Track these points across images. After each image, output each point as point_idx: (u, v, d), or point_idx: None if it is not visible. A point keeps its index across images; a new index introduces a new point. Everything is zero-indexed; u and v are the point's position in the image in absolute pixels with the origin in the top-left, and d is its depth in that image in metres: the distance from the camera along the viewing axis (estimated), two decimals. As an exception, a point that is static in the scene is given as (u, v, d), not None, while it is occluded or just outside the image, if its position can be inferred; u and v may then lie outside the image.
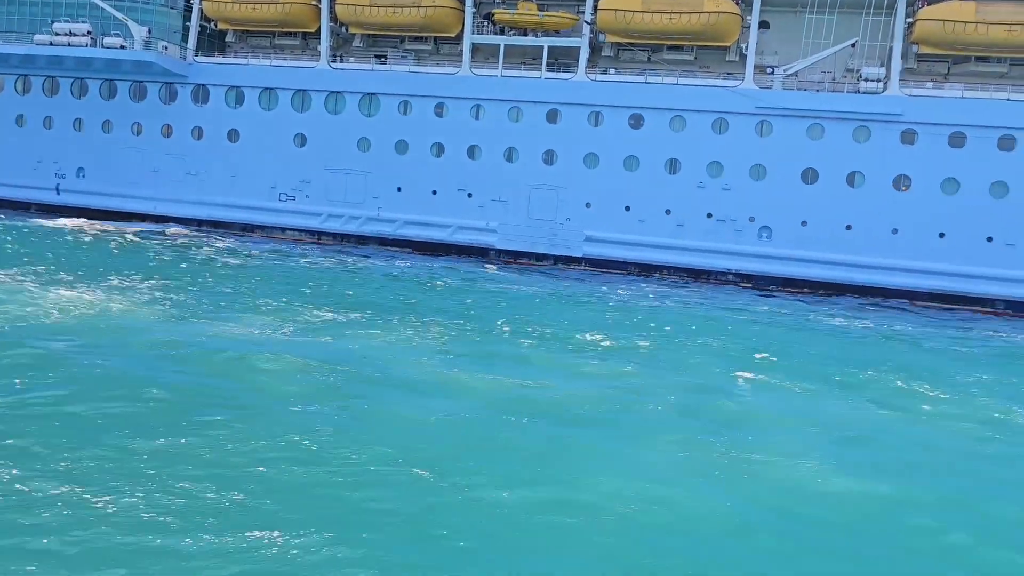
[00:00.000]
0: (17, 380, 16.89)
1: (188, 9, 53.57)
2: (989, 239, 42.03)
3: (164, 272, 34.07)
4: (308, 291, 32.58)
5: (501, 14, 48.04)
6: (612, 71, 47.48)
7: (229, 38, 54.64)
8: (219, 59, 52.58)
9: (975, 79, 43.99)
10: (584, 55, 46.88)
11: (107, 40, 51.21)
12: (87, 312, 23.74)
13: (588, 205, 46.76)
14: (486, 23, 49.29)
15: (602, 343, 26.22)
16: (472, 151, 48.27)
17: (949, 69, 44.91)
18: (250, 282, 34.16)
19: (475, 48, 48.87)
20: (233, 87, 51.65)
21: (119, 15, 51.35)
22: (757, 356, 25.93)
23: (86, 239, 44.63)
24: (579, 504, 13.41)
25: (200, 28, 53.18)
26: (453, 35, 49.87)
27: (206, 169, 52.32)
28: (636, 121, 45.97)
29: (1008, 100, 41.71)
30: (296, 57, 52.58)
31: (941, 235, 42.61)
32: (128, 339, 21.24)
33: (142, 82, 52.79)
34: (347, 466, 14.28)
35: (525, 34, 48.91)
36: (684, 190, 45.45)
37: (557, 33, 48.49)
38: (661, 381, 21.54)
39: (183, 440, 14.81)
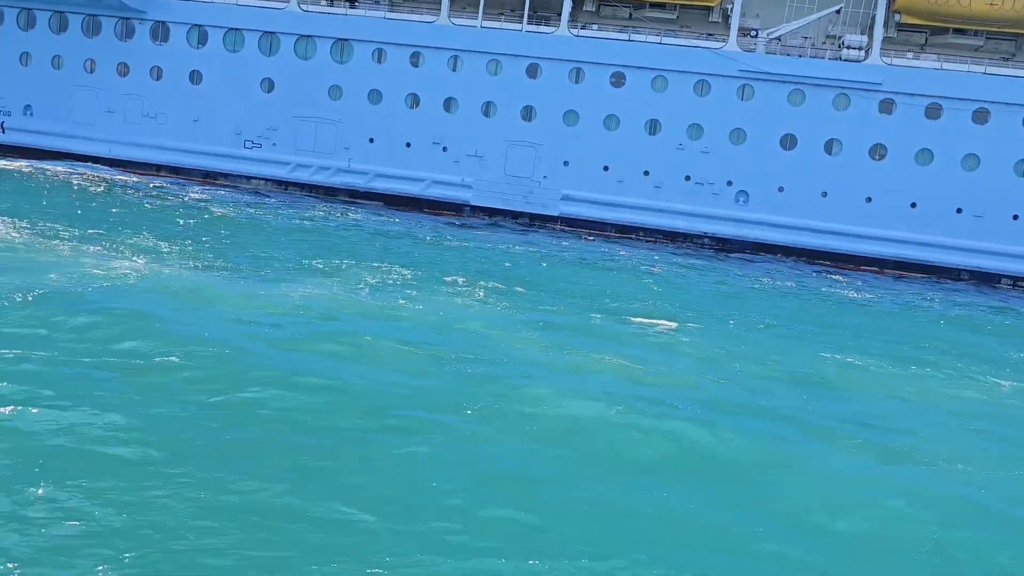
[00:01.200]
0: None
1: (146, -60, 50.46)
2: (959, 210, 42.92)
3: (172, 227, 31.60)
4: (345, 252, 30.72)
5: (482, -38, 46.51)
6: (595, 27, 46.55)
7: (196, -27, 51.73)
8: (181, -5, 49.80)
9: (950, 51, 44.50)
10: (567, 8, 45.81)
11: (60, -31, 48.01)
12: (142, 275, 21.58)
13: (566, 163, 46.15)
14: (466, -29, 47.71)
15: (661, 320, 24.53)
16: (448, 104, 47.02)
17: (927, 40, 45.29)
18: (274, 239, 32.12)
19: (453, -4, 47.31)
20: (196, 26, 49.10)
21: (73, -57, 48.14)
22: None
23: (50, 184, 42.21)
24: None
25: (160, -39, 50.21)
26: (432, -18, 48.18)
27: (165, 112, 49.90)
28: (618, 79, 45.30)
29: (985, 73, 42.29)
30: (263, -3, 50.10)
31: (913, 205, 43.33)
32: (223, 313, 18.99)
33: (96, 16, 49.81)
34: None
35: (503, -16, 47.54)
36: (663, 152, 45.17)
37: (538, -15, 47.20)
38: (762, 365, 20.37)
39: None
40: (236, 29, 48.67)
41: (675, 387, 17.35)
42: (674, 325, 23.50)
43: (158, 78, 49.84)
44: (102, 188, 42.31)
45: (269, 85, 48.69)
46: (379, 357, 17.25)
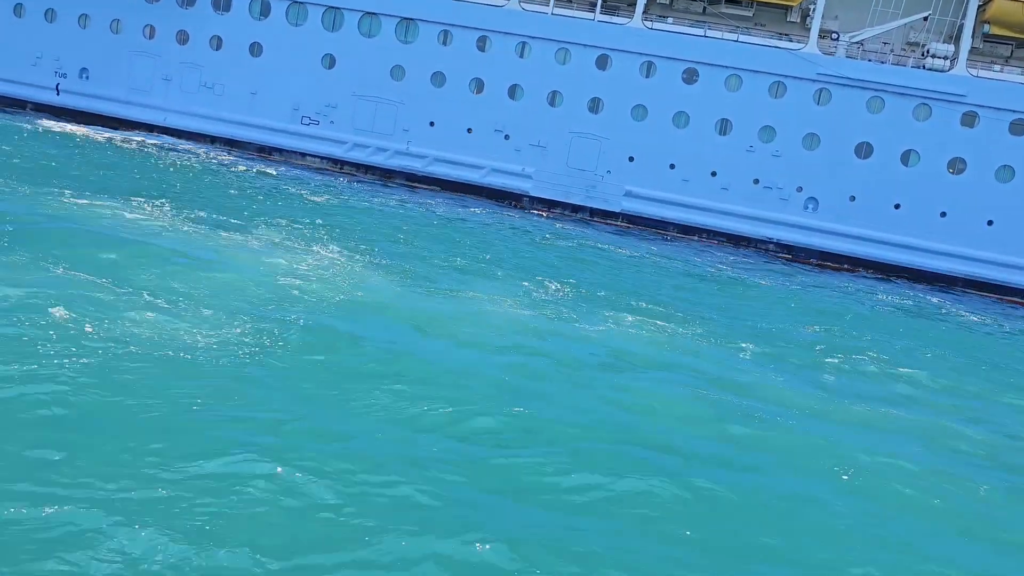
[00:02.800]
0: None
1: (213, -94, 49.52)
2: (1037, 230, 41.49)
3: (305, 215, 30.52)
4: (488, 252, 29.48)
5: (558, -53, 45.27)
6: (668, 20, 45.27)
7: (256, -57, 50.75)
8: (246, -35, 48.84)
9: (1037, 65, 42.97)
10: (642, 0, 44.54)
11: (126, -69, 47.15)
12: (343, 285, 20.32)
13: (631, 159, 44.99)
14: (539, -45, 46.45)
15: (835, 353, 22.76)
16: (513, 91, 45.92)
17: (1012, 52, 43.77)
18: (424, 236, 31.12)
19: (524, -19, 46.08)
20: (258, -4, 48.20)
21: (141, -95, 47.26)
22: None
23: (126, 151, 41.59)
24: None
25: (225, -72, 49.28)
26: (504, -36, 46.95)
27: (223, 83, 49.06)
28: (690, 76, 44.05)
29: (1075, 91, 40.78)
30: (328, -29, 49.07)
31: (989, 223, 41.94)
32: (471, 337, 17.67)
33: (158, -19, 48.95)
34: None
35: (576, -29, 46.28)
36: (733, 153, 43.92)
37: (613, -27, 45.95)
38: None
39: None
40: (299, 3, 47.70)
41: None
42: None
43: (217, 48, 48.99)
44: (191, 162, 41.59)
45: (330, 61, 47.73)
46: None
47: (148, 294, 16.60)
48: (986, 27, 42.45)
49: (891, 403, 18.18)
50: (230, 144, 49.21)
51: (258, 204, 31.86)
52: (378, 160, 47.69)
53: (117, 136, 46.96)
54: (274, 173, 42.15)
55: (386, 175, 47.76)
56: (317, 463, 10.87)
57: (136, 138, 47.01)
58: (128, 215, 24.54)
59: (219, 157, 45.27)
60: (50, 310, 14.44)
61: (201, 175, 37.45)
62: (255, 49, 48.51)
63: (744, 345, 20.88)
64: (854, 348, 23.51)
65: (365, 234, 29.02)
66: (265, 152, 48.89)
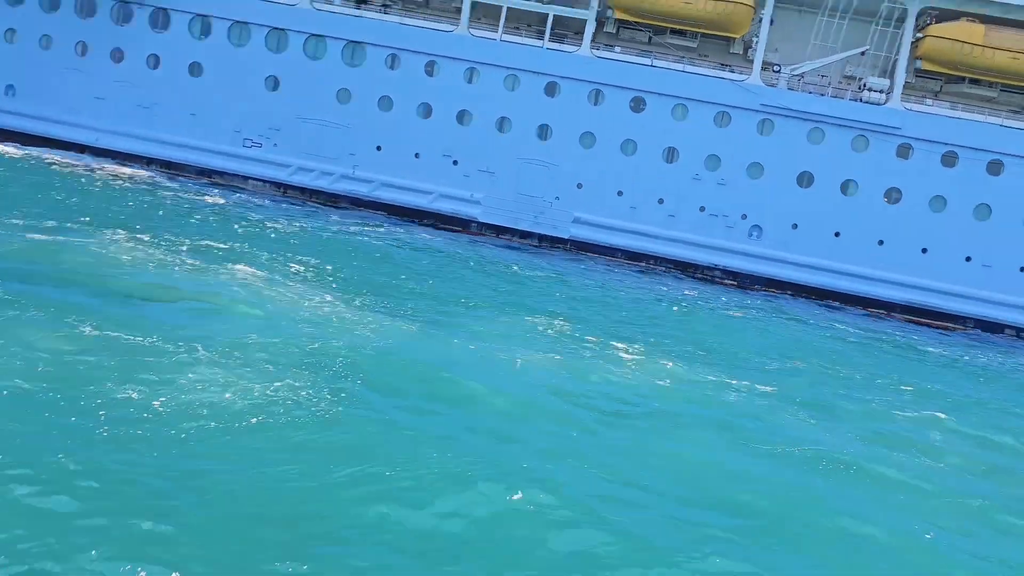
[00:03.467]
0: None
1: (151, -78, 48.11)
2: (968, 259, 43.15)
3: (263, 244, 29.55)
4: (466, 284, 29.01)
5: (506, -26, 45.35)
6: (616, 49, 45.76)
7: (199, -41, 49.45)
8: (185, -18, 47.51)
9: (963, 100, 44.82)
10: (590, 29, 44.95)
11: (59, -55, 45.40)
12: (311, 313, 19.82)
13: (580, 186, 45.20)
14: (490, -18, 46.46)
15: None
16: (462, 116, 45.70)
17: (941, 87, 45.59)
18: (381, 262, 30.36)
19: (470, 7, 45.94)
20: (200, 16, 46.91)
21: (75, -82, 45.60)
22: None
23: (56, 173, 39.78)
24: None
25: (163, -55, 47.91)
26: (454, -10, 46.87)
27: (161, 103, 47.52)
28: (637, 104, 44.58)
29: (1002, 126, 42.67)
30: (272, -9, 48.09)
31: (924, 251, 43.44)
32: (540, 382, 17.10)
33: (92, -3, 47.23)
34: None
35: (524, -2, 46.40)
36: (680, 181, 44.55)
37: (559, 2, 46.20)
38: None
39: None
40: (242, 23, 46.63)
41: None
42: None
43: (155, 67, 47.47)
44: (128, 185, 39.92)
45: (274, 83, 46.73)
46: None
47: (162, 346, 15.68)
48: (918, 62, 44.12)
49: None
50: (167, 166, 47.63)
51: (224, 236, 30.30)
52: (323, 184, 46.79)
53: (46, 156, 44.96)
54: (222, 201, 40.77)
55: (331, 200, 46.87)
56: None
57: (65, 159, 45.09)
58: (93, 248, 23.19)
59: (156, 180, 43.75)
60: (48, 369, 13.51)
61: (142, 199, 36.02)
62: (195, 69, 47.17)
63: (762, 387, 20.77)
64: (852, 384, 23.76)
65: (347, 270, 28.09)
66: (205, 175, 47.46)
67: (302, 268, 26.11)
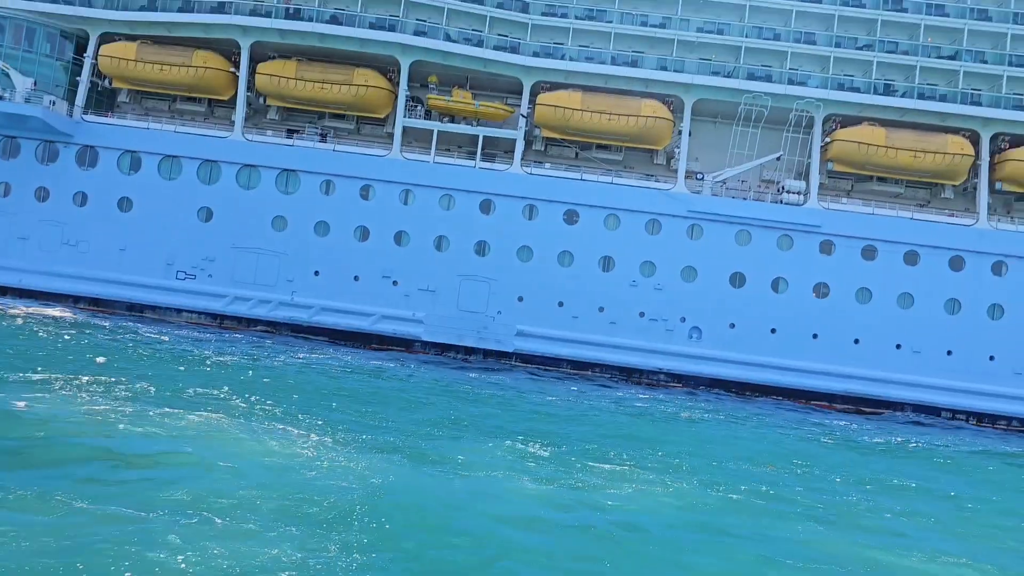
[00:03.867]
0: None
1: (76, 63, 48.34)
2: (898, 346, 44.83)
3: (218, 380, 28.43)
4: (453, 412, 27.89)
5: (435, 100, 46.87)
6: (547, 165, 47.29)
7: (122, 98, 49.62)
8: (114, 120, 47.46)
9: (874, 196, 47.56)
10: (520, 147, 46.48)
11: (-18, 89, 45.02)
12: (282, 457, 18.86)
13: (520, 299, 45.65)
14: (418, 107, 47.93)
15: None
16: (399, 237, 46.08)
17: (852, 186, 48.37)
18: (329, 389, 29.27)
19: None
20: (128, 152, 46.71)
21: (-1, 63, 45.46)
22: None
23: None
24: None
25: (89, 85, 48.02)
26: (382, 116, 48.00)
27: (89, 240, 46.55)
28: (571, 217, 45.82)
29: (912, 219, 45.31)
30: (201, 125, 48.44)
31: (856, 341, 44.97)
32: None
33: (15, 138, 46.62)
34: None
35: (451, 120, 47.88)
36: (617, 288, 45.48)
37: (487, 123, 47.83)
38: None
39: None
40: (173, 156, 46.59)
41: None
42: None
43: (82, 204, 46.71)
44: (57, 327, 38.21)
45: (207, 214, 46.43)
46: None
47: (147, 516, 14.65)
48: (830, 164, 46.86)
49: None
50: (96, 304, 46.26)
51: (177, 377, 29.16)
52: (261, 313, 46.06)
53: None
54: (166, 338, 39.38)
55: (270, 328, 46.07)
56: None
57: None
58: (41, 406, 21.66)
59: (87, 320, 42.23)
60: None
61: (78, 342, 34.54)
62: (124, 204, 46.60)
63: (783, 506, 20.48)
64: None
65: (310, 404, 27.08)
66: (136, 310, 46.23)
67: (268, 406, 25.16)
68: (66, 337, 35.22)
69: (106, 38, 47.84)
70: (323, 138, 47.68)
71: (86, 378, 25.35)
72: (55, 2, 47.17)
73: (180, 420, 21.50)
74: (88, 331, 37.98)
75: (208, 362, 33.50)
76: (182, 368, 31.25)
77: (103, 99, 49.58)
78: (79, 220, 46.60)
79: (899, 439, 36.73)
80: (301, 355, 39.11)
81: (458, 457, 21.55)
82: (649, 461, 24.24)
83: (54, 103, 45.76)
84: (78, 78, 47.91)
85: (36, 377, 25.09)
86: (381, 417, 26.35)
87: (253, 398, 26.07)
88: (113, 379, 25.80)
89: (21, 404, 21.16)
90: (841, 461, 29.43)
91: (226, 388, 27.12)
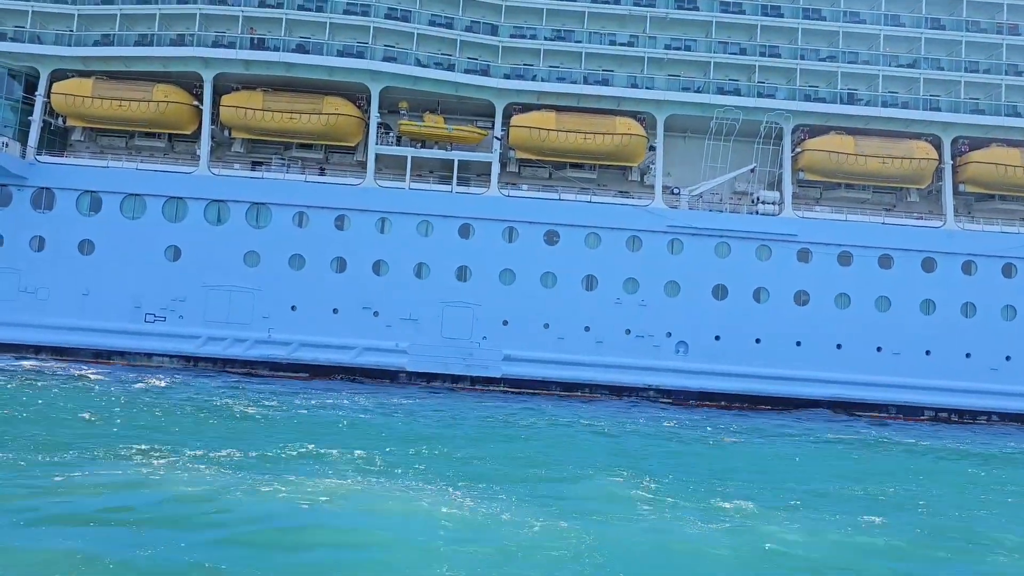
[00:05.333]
0: None
1: (26, 103, 46.22)
2: (879, 349, 45.51)
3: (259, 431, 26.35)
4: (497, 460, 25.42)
5: (407, 125, 46.17)
6: (524, 187, 46.93)
7: (76, 136, 47.57)
8: (70, 160, 45.43)
9: (842, 203, 48.49)
10: (496, 170, 46.03)
11: (-73, 133, 42.59)
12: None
13: (505, 323, 44.99)
14: (389, 133, 47.13)
15: None
16: (378, 267, 45.03)
17: (821, 194, 49.21)
18: (421, 440, 27.17)
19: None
20: (88, 192, 44.71)
21: (-55, 105, 43.14)
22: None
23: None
24: None
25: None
26: (353, 144, 47.03)
27: (48, 286, 44.27)
28: (551, 237, 45.46)
29: (884, 224, 46.26)
30: (164, 161, 46.73)
31: (839, 346, 45.50)
32: None
33: (-37, 183, 44.22)
34: None
35: (423, 145, 47.20)
36: (602, 307, 45.20)
37: (460, 147, 47.26)
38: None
39: None
40: (136, 195, 44.76)
41: None
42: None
43: (39, 249, 44.46)
44: (26, 380, 35.85)
45: (175, 253, 44.67)
46: None
47: None
48: (801, 174, 47.60)
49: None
50: (58, 353, 43.91)
51: (235, 430, 27.05)
52: (237, 352, 44.35)
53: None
54: (162, 383, 37.20)
55: (247, 367, 44.39)
56: None
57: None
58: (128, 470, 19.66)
59: (61, 370, 39.91)
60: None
61: (65, 397, 32.33)
62: (85, 247, 44.51)
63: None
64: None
65: (374, 452, 24.97)
66: (103, 357, 44.03)
67: (375, 458, 23.16)
68: (48, 392, 33.02)
69: (58, 75, 45.89)
70: (287, 167, 46.31)
71: (144, 446, 22.60)
72: (2, 40, 45.08)
73: (311, 485, 19.15)
74: (74, 385, 35.67)
75: (224, 411, 31.39)
76: (230, 422, 29.02)
77: (55, 138, 47.46)
78: (37, 265, 44.31)
79: (949, 443, 36.47)
80: (329, 400, 36.87)
81: (581, 503, 19.79)
82: (772, 494, 22.71)
83: (6, 144, 43.54)
84: (29, 117, 45.74)
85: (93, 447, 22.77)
86: (471, 460, 24.72)
87: (352, 451, 23.94)
88: (186, 444, 23.24)
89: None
90: (955, 471, 28.92)
91: (311, 443, 24.70)
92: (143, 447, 22.46)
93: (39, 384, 34.67)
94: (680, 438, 33.51)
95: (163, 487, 18.20)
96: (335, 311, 44.68)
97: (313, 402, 35.39)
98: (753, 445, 32.94)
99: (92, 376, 38.40)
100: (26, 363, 40.94)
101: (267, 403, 33.78)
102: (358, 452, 24.04)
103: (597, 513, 19.09)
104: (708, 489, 22.61)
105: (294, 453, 23.58)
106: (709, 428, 36.68)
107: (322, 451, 23.96)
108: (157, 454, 21.79)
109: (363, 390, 40.90)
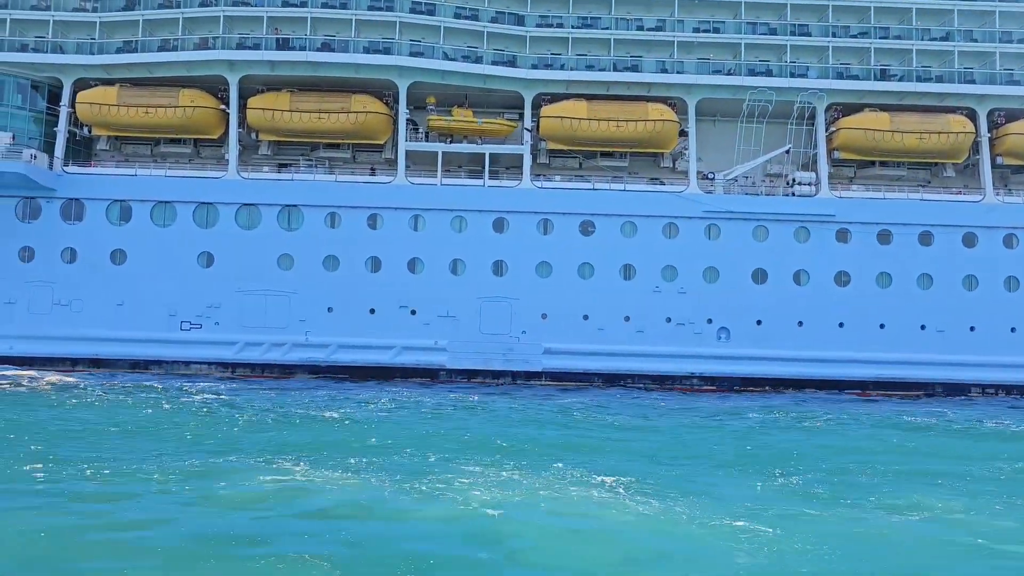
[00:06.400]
0: None
1: (49, 114, 45.70)
2: (923, 327, 44.93)
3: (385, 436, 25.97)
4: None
5: (436, 121, 45.59)
6: (557, 178, 46.37)
7: (101, 145, 47.06)
8: (98, 169, 44.95)
9: (878, 181, 47.82)
10: (528, 162, 45.45)
11: (-44, 148, 42.13)
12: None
13: (544, 316, 44.47)
14: (417, 130, 46.56)
15: None
16: (413, 264, 44.52)
17: (855, 173, 48.57)
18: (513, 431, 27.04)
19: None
20: (117, 201, 44.23)
21: (-28, 119, 42.66)
22: None
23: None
24: None
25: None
26: (381, 142, 46.47)
27: (82, 298, 43.84)
28: (586, 228, 44.90)
29: (922, 200, 45.62)
30: (191, 167, 46.24)
31: (881, 326, 44.92)
32: None
33: (-10, 197, 43.75)
34: None
35: (451, 140, 46.63)
36: (641, 295, 44.67)
37: (489, 140, 46.67)
38: None
39: None
40: (166, 202, 44.27)
41: None
42: None
43: (71, 261, 44.01)
44: (75, 394, 35.44)
45: (207, 259, 44.21)
46: None
47: None
48: (835, 153, 46.95)
49: None
50: (95, 364, 43.56)
51: (360, 437, 26.32)
52: (275, 356, 43.93)
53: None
54: (222, 394, 36.62)
55: (285, 371, 43.97)
56: None
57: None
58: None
59: (121, 382, 39.49)
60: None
61: (130, 410, 31.81)
62: (117, 257, 44.05)
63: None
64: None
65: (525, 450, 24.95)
66: (140, 367, 43.66)
67: (521, 459, 22.89)
68: (115, 407, 32.54)
69: (81, 84, 45.36)
70: (314, 166, 45.86)
71: (278, 456, 22.41)
72: (24, 51, 44.55)
73: (478, 490, 18.89)
74: (135, 395, 35.23)
75: (334, 416, 31.01)
76: (341, 427, 28.69)
77: (80, 148, 46.97)
78: (69, 278, 43.87)
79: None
80: (406, 398, 36.80)
81: (734, 501, 19.25)
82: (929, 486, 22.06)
83: (35, 157, 43.04)
84: (54, 129, 45.23)
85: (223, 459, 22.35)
86: (620, 455, 24.28)
87: (485, 455, 23.54)
88: (321, 452, 23.06)
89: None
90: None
91: (440, 450, 24.22)
92: (281, 457, 22.27)
93: (120, 398, 34.35)
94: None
95: (352, 495, 18.14)
96: (372, 311, 44.21)
97: (389, 402, 35.42)
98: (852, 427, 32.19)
99: (156, 387, 38.04)
100: (55, 376, 40.48)
101: (344, 408, 33.41)
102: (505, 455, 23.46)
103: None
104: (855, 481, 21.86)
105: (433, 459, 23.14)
106: (847, 416, 35.48)
107: (466, 457, 23.43)
108: (299, 463, 21.57)
109: (426, 390, 40.44)
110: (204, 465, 21.16)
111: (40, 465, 20.61)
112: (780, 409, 37.54)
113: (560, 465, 22.54)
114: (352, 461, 22.09)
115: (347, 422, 29.99)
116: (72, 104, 45.09)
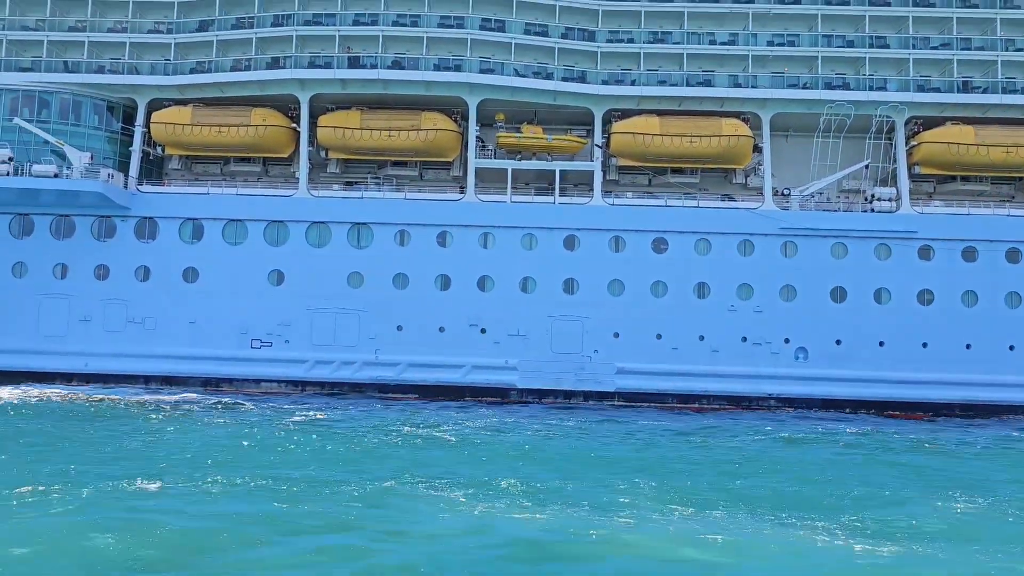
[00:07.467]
0: None
1: (126, 133, 46.26)
2: (1011, 348, 43.18)
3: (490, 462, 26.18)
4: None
5: (506, 138, 45.22)
6: (629, 195, 45.66)
7: (173, 165, 47.50)
8: (171, 188, 45.35)
9: (960, 196, 46.23)
10: (598, 178, 44.83)
11: (37, 168, 42.76)
12: None
13: (616, 335, 43.64)
14: (485, 147, 46.25)
15: None
16: (483, 282, 44.05)
17: (935, 188, 47.08)
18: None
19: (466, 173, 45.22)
20: (190, 220, 44.54)
21: (52, 139, 43.27)
22: None
23: (59, 411, 35.05)
24: None
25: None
26: (450, 159, 46.23)
27: (154, 316, 44.12)
28: (659, 245, 44.06)
29: (1009, 215, 43.99)
30: (262, 185, 46.43)
31: (968, 347, 43.28)
32: None
33: (68, 216, 44.32)
34: None
35: (520, 157, 46.19)
36: (716, 314, 43.63)
37: (559, 156, 46.16)
38: None
39: None
40: (237, 220, 44.46)
41: None
42: None
43: (144, 279, 44.35)
44: (162, 413, 35.54)
45: (278, 277, 44.23)
46: None
47: None
48: (916, 168, 45.56)
49: None
50: (168, 382, 43.78)
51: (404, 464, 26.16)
52: (345, 375, 43.70)
53: (34, 392, 40.39)
54: (320, 414, 36.48)
55: (356, 389, 43.69)
56: None
57: (47, 392, 40.54)
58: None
59: (187, 401, 39.61)
60: None
61: (226, 432, 31.63)
62: (190, 275, 44.29)
63: None
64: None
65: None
66: (212, 385, 43.72)
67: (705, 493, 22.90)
68: (207, 427, 32.49)
69: (155, 104, 45.90)
70: (380, 186, 45.83)
71: (431, 482, 22.66)
72: (100, 72, 45.23)
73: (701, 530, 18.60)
74: (229, 416, 35.18)
75: (448, 438, 30.97)
76: (490, 456, 28.42)
77: (151, 168, 47.47)
78: (143, 296, 44.21)
79: None
80: (495, 420, 36.51)
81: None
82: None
83: (111, 176, 43.55)
84: (129, 148, 45.78)
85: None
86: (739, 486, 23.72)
87: (674, 489, 23.34)
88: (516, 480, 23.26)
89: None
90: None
91: (641, 480, 24.20)
92: (437, 483, 22.59)
93: (225, 421, 34.39)
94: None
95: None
96: (441, 329, 43.79)
97: (479, 423, 35.20)
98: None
99: (248, 406, 38.16)
100: (136, 397, 40.64)
101: (443, 426, 33.36)
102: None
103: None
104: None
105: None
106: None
107: (649, 490, 23.18)
108: (462, 491, 21.64)
109: (507, 410, 39.94)
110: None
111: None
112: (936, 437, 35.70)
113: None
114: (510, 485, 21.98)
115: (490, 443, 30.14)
116: (147, 124, 45.61)
